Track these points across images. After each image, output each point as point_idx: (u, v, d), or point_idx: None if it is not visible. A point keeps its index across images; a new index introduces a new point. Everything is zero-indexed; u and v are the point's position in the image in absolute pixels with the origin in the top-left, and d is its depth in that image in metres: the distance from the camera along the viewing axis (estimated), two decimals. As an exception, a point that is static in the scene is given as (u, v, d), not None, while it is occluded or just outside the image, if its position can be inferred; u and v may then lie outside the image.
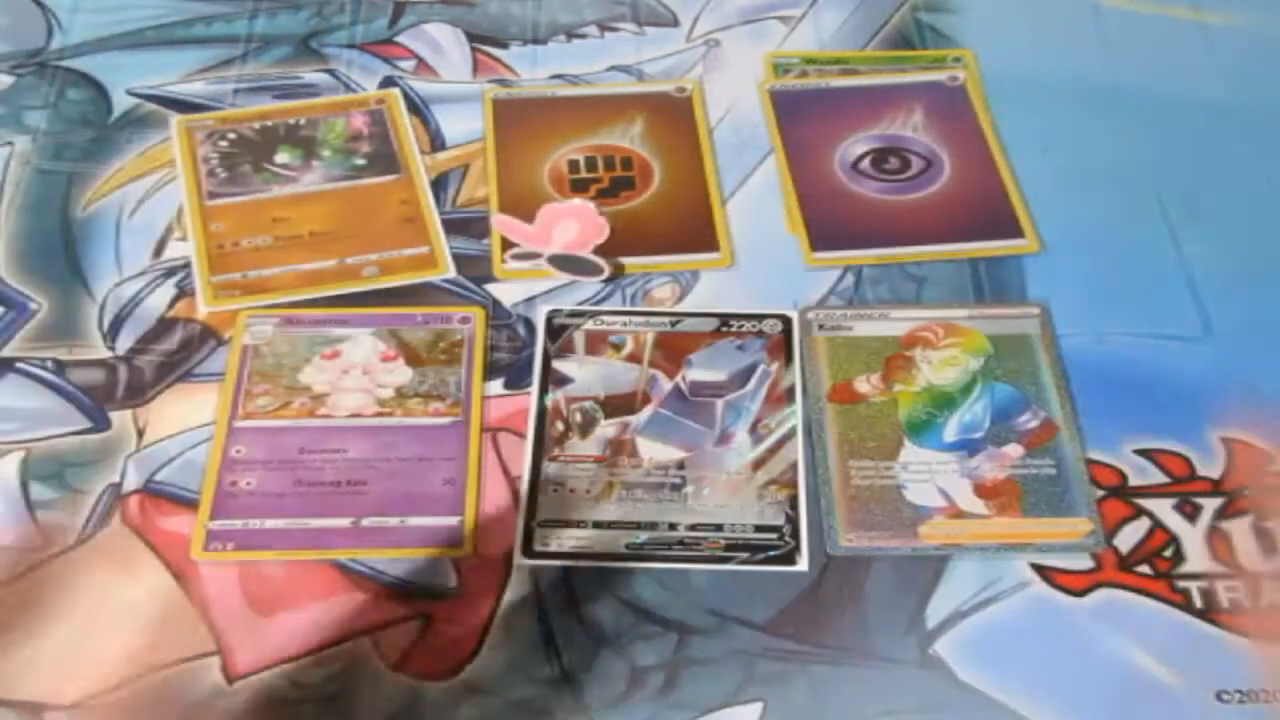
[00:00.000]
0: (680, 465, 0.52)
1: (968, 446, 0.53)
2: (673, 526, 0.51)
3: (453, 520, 0.51)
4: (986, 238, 0.60)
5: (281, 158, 0.63)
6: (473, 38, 0.69)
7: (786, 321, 0.57)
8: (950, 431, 0.53)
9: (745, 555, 0.50)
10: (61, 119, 0.65)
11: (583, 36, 0.69)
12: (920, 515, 0.51)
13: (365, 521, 0.51)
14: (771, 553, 0.50)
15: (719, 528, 0.51)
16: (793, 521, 0.51)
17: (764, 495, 0.52)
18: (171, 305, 0.58)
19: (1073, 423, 0.53)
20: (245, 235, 0.60)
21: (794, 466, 0.52)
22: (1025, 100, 0.66)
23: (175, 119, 0.65)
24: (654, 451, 0.53)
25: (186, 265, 0.59)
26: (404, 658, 0.48)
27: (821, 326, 0.56)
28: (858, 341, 0.56)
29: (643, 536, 0.51)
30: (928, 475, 0.52)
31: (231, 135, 0.64)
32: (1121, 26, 0.70)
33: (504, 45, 0.69)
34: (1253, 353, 0.56)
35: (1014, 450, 0.53)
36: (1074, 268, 0.59)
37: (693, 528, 0.51)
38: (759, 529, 0.51)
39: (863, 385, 0.54)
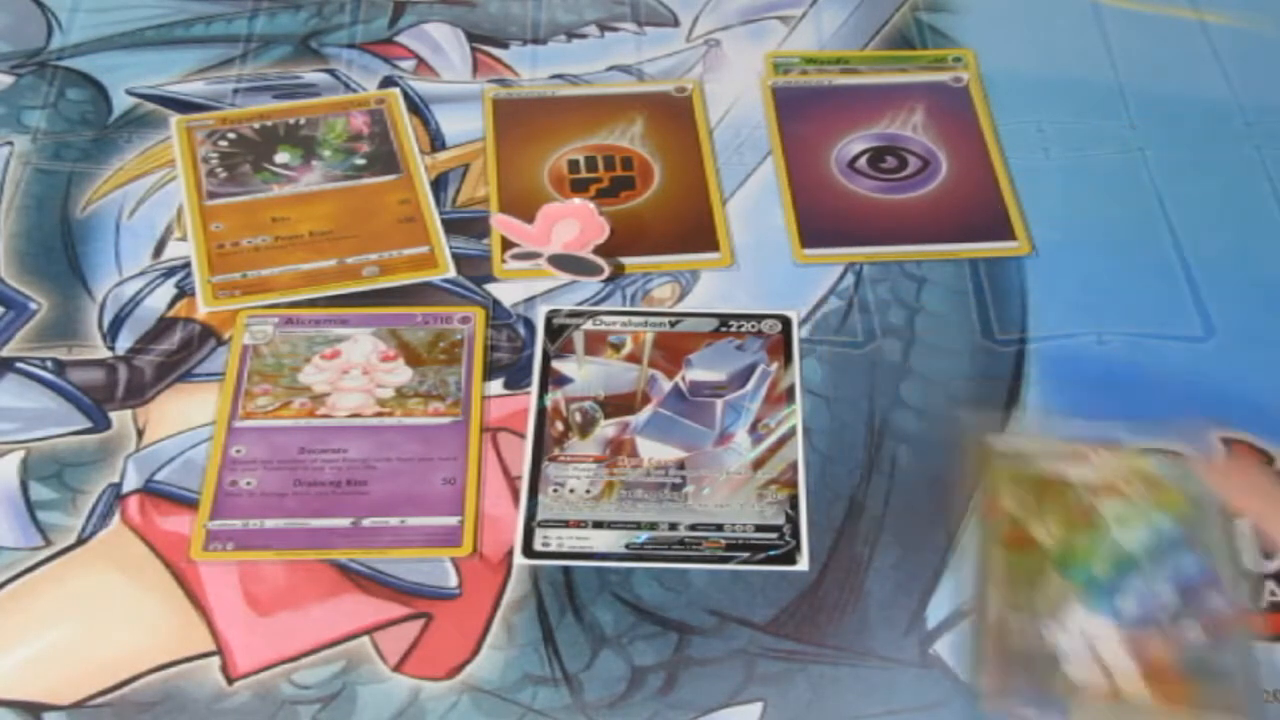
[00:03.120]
0: (680, 465, 0.52)
1: (1141, 619, 0.46)
2: (673, 526, 0.51)
3: (453, 520, 0.51)
4: (979, 239, 0.60)
5: (281, 157, 0.63)
6: (473, 38, 0.69)
7: (785, 322, 0.57)
8: (1125, 599, 0.46)
9: (745, 555, 0.50)
10: (61, 119, 0.65)
11: (583, 36, 0.69)
12: (1071, 683, 0.45)
13: (365, 521, 0.51)
14: (771, 553, 0.50)
15: (719, 528, 0.51)
16: (793, 521, 0.51)
17: (764, 495, 0.52)
18: (171, 305, 0.58)
19: (1253, 611, 0.49)
20: (245, 235, 0.60)
21: (794, 466, 0.52)
22: (1025, 100, 0.66)
23: (175, 119, 0.65)
24: (654, 451, 0.53)
25: (186, 265, 0.59)
26: (404, 658, 0.48)
27: (1006, 456, 0.50)
28: (1045, 483, 0.49)
29: (643, 536, 0.51)
30: (1087, 641, 0.46)
31: (231, 135, 0.64)
32: (1121, 26, 0.70)
33: (504, 45, 0.69)
34: (1253, 353, 0.56)
35: (1193, 632, 0.46)
36: (1074, 267, 0.59)
37: (693, 528, 0.51)
38: (759, 529, 0.51)
39: (1040, 532, 0.48)
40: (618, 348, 0.56)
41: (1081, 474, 0.49)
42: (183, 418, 0.54)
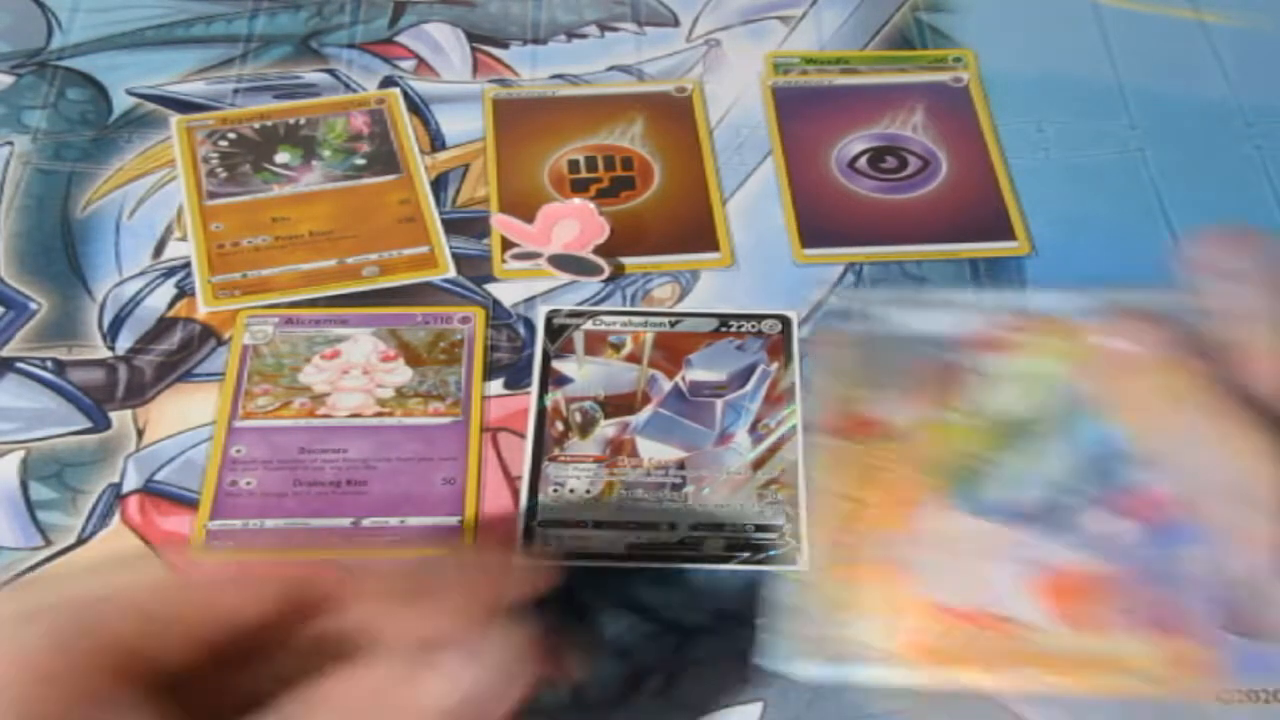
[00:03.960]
0: (680, 465, 0.52)
1: (1040, 516, 0.33)
2: (673, 526, 0.51)
3: (453, 520, 0.51)
4: (979, 239, 0.60)
5: (281, 158, 0.63)
6: (473, 38, 0.69)
7: (785, 321, 0.57)
8: (1014, 488, 0.34)
9: (745, 555, 0.50)
10: (61, 119, 0.65)
11: (583, 36, 0.69)
12: (937, 613, 0.34)
13: (365, 522, 0.51)
14: (771, 553, 0.50)
15: (719, 528, 0.51)
16: (793, 521, 0.51)
17: (764, 495, 0.52)
18: (171, 305, 0.58)
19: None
20: (245, 235, 0.60)
21: (794, 466, 0.52)
22: (1025, 100, 0.66)
23: (175, 119, 0.65)
24: (654, 451, 0.53)
25: (186, 265, 0.59)
26: (404, 658, 0.48)
27: (848, 316, 0.37)
28: (897, 343, 0.36)
29: (643, 536, 0.51)
30: (969, 556, 0.34)
31: (231, 135, 0.64)
32: (1121, 26, 0.70)
33: (504, 45, 0.69)
34: (1253, 353, 0.56)
35: (1110, 524, 0.33)
36: (1074, 267, 0.59)
37: (693, 528, 0.51)
38: (759, 529, 0.51)
39: (889, 411, 0.35)
40: (618, 348, 0.56)
41: (949, 324, 0.35)
42: (183, 418, 0.54)
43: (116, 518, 0.51)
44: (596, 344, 0.56)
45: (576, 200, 0.60)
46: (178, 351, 0.56)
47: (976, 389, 0.35)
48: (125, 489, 0.52)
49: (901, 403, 0.35)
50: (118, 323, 0.57)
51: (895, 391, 0.35)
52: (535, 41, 0.69)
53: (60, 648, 0.29)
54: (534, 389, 0.55)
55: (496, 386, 0.55)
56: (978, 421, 0.34)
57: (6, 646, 0.28)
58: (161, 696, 0.30)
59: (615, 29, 0.70)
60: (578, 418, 0.54)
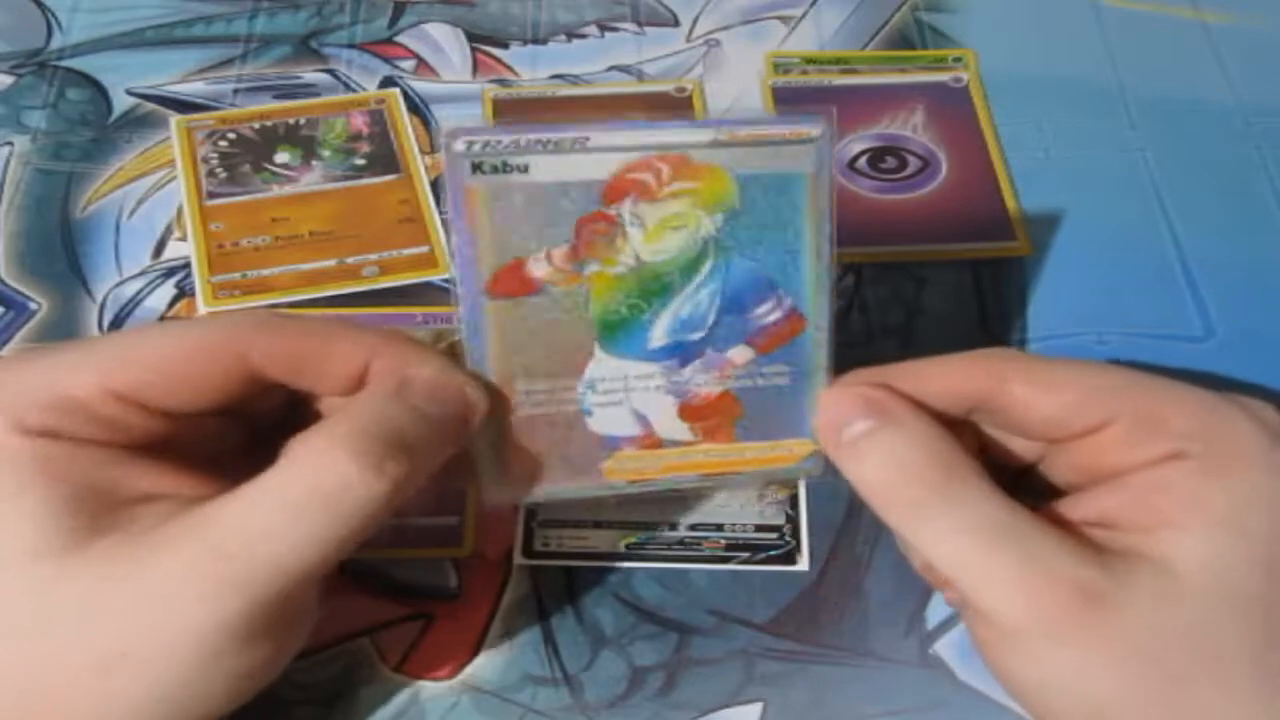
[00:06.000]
0: (680, 465, 0.52)
1: (680, 353, 0.39)
2: (673, 526, 0.51)
3: (453, 520, 0.51)
4: (979, 239, 0.60)
5: (281, 157, 0.63)
6: (473, 38, 0.69)
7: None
8: (659, 333, 0.38)
9: (745, 555, 0.50)
10: (61, 119, 0.65)
11: (583, 36, 0.69)
12: (607, 448, 0.40)
13: (365, 521, 0.51)
14: (771, 553, 0.50)
15: (719, 528, 0.51)
16: (793, 521, 0.51)
17: (764, 495, 0.52)
18: (171, 305, 0.58)
19: (827, 313, 0.39)
20: (245, 235, 0.60)
21: (794, 466, 0.52)
22: (1025, 100, 0.66)
23: (175, 119, 0.65)
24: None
25: (186, 265, 0.59)
26: (404, 658, 0.48)
27: (481, 168, 0.36)
28: (540, 193, 0.36)
29: (643, 536, 0.51)
30: (621, 395, 0.39)
31: (231, 135, 0.64)
32: (1121, 26, 0.70)
33: (504, 45, 0.69)
34: (1253, 353, 0.56)
35: (740, 355, 0.39)
36: (1074, 267, 0.59)
37: (693, 528, 0.51)
38: (759, 529, 0.51)
39: (539, 267, 0.37)
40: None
41: (592, 170, 0.36)
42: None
43: (116, 518, 0.51)
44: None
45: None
46: (178, 351, 0.56)
47: (623, 241, 0.37)
48: (125, 489, 0.52)
49: (558, 259, 0.37)
50: (118, 323, 0.57)
51: (552, 246, 0.37)
52: (535, 41, 0.69)
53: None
54: (534, 389, 0.55)
55: (496, 386, 0.55)
56: (625, 274, 0.37)
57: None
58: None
59: (615, 29, 0.70)
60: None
